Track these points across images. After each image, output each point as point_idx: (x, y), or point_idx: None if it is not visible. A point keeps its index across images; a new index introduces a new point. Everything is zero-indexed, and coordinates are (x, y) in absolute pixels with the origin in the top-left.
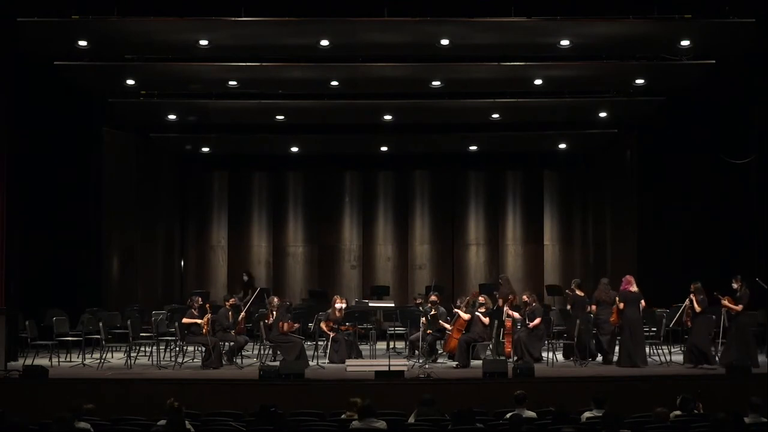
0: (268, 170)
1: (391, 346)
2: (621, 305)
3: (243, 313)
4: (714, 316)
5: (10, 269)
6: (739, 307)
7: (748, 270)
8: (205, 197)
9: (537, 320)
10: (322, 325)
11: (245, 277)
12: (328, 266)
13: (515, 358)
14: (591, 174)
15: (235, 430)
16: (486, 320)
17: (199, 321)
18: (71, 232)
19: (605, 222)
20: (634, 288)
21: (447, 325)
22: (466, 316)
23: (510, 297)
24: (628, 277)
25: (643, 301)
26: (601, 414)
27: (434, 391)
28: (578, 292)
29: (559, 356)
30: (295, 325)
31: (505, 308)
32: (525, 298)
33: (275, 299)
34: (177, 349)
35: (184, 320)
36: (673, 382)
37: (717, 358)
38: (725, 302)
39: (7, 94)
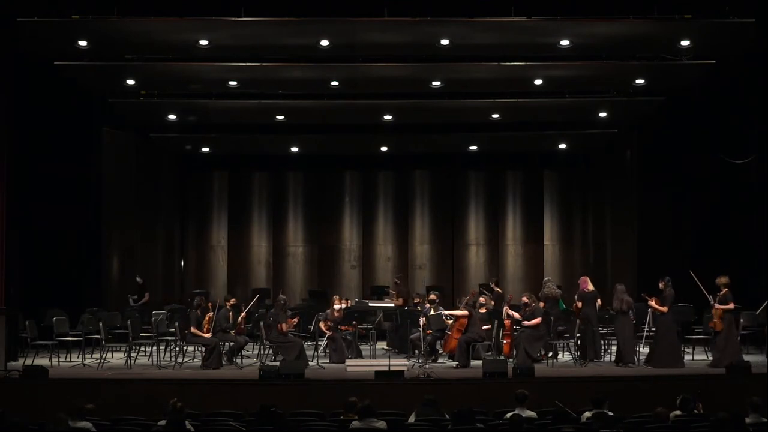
0: (268, 170)
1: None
2: (579, 304)
3: (243, 314)
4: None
5: (10, 269)
6: (665, 308)
7: (748, 270)
8: (205, 197)
9: (536, 320)
10: (321, 325)
11: (139, 280)
12: (328, 266)
13: (514, 356)
14: (591, 174)
15: (235, 430)
16: (488, 327)
17: (206, 335)
18: (71, 232)
19: (605, 222)
20: (590, 287)
21: (450, 321)
22: (464, 313)
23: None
24: (584, 277)
25: (599, 300)
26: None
27: (434, 391)
28: (497, 289)
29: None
30: (294, 320)
31: (505, 308)
32: (524, 299)
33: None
34: (177, 349)
35: (193, 330)
36: (673, 382)
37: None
38: (652, 303)
39: (7, 94)
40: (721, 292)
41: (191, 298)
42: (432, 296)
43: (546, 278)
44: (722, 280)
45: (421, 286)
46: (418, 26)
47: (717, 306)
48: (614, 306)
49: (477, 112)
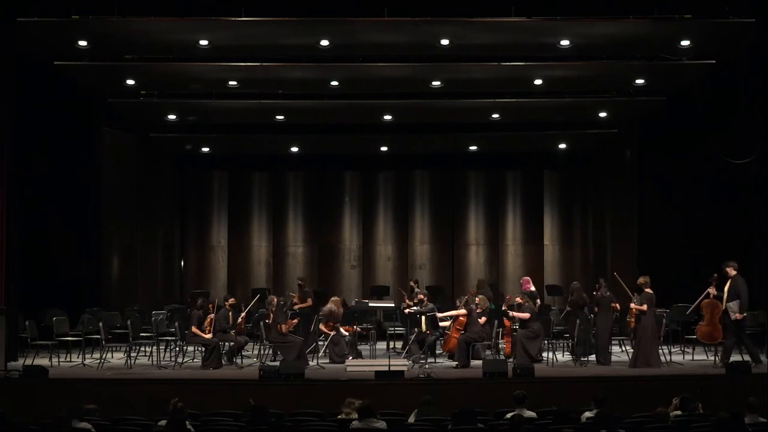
0: (268, 170)
1: (391, 346)
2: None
3: (243, 314)
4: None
5: (10, 269)
6: (596, 309)
7: (748, 270)
8: (205, 197)
9: (525, 314)
10: (323, 326)
11: None
12: (328, 266)
13: (513, 357)
14: (591, 174)
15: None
16: (483, 320)
17: (207, 336)
18: (71, 232)
19: (605, 222)
20: (532, 288)
21: (447, 323)
22: (462, 313)
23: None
24: (526, 278)
25: (538, 300)
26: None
27: (434, 391)
28: (417, 289)
29: (558, 356)
30: (293, 321)
31: (504, 308)
32: (518, 299)
33: (275, 299)
34: (177, 349)
35: (194, 330)
36: (673, 382)
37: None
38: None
39: (7, 94)
40: (643, 292)
41: (191, 298)
42: (420, 296)
43: (480, 279)
44: (641, 280)
45: (421, 286)
46: (418, 26)
47: (632, 305)
48: (572, 302)
49: (477, 112)
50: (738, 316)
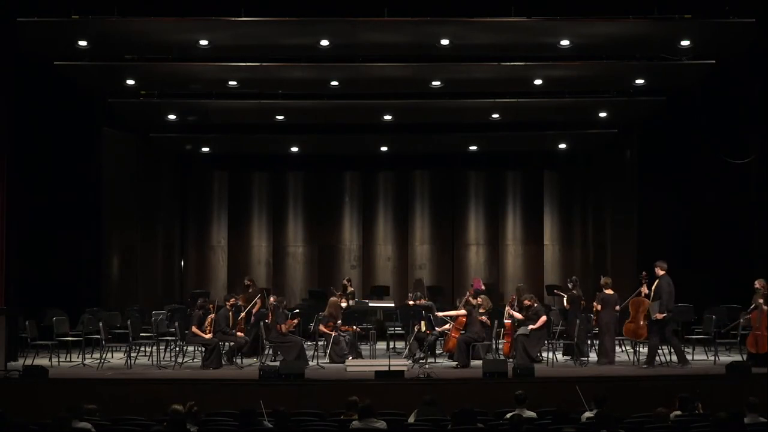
0: (268, 170)
1: (391, 346)
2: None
3: (243, 314)
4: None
5: (10, 269)
6: (567, 306)
7: (748, 269)
8: (205, 197)
9: (543, 318)
10: (323, 327)
11: None
12: (328, 266)
13: (512, 356)
14: (591, 174)
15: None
16: (486, 320)
17: (207, 336)
18: (71, 232)
19: (605, 222)
20: (482, 287)
21: (447, 326)
22: (462, 313)
23: (512, 297)
24: (477, 278)
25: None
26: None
27: (434, 391)
28: (350, 288)
29: (559, 356)
30: (294, 321)
31: (507, 308)
32: (527, 302)
33: (274, 299)
34: (177, 349)
35: (194, 329)
36: (673, 382)
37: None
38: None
39: (7, 94)
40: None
41: (191, 298)
42: (420, 301)
43: (417, 279)
44: (601, 281)
45: (420, 286)
46: (418, 26)
47: (594, 304)
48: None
49: (477, 112)
50: (658, 316)
